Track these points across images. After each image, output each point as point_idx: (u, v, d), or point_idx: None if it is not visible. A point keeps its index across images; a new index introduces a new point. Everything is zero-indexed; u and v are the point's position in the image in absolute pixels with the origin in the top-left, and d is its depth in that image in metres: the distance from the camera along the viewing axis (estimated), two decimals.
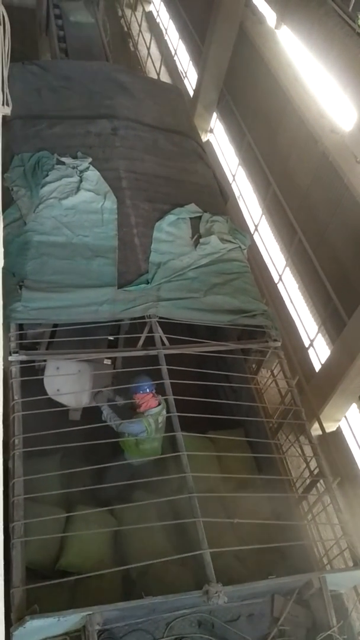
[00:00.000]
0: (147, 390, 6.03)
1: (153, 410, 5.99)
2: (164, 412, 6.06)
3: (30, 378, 5.96)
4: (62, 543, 5.47)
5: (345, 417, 8.70)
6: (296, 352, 8.85)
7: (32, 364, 6.16)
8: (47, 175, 7.34)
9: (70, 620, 4.35)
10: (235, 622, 4.94)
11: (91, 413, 6.42)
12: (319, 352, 9.09)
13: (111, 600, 4.54)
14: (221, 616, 4.92)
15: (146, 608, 4.63)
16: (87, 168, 7.63)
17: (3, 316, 5.89)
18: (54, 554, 5.43)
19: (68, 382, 6.36)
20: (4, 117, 6.23)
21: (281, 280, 10.36)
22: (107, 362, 6.67)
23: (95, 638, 4.36)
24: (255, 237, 11.26)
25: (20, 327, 6.18)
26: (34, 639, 4.43)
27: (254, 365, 7.07)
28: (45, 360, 6.33)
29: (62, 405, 6.34)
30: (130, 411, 6.12)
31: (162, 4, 18.06)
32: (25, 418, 5.49)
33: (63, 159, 7.64)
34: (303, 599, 5.11)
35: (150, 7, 19.46)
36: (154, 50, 17.12)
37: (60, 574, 5.10)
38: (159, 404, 6.02)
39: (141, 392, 6.02)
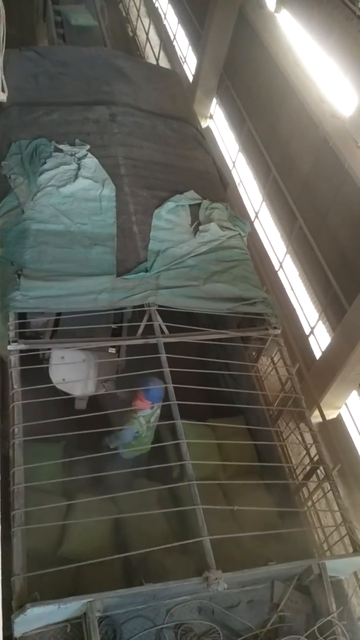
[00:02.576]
0: (154, 399, 5.95)
1: (146, 411, 5.98)
2: (158, 411, 6.07)
3: (33, 367, 5.95)
4: (63, 531, 5.50)
5: (346, 404, 8.71)
6: (296, 339, 8.85)
7: (35, 353, 6.15)
8: (44, 162, 7.29)
9: (70, 607, 4.38)
10: (235, 608, 4.98)
11: (97, 402, 6.43)
12: (320, 340, 9.07)
13: (112, 587, 4.57)
14: (221, 602, 4.95)
15: (147, 595, 4.66)
16: (85, 155, 7.58)
17: (2, 305, 5.91)
18: (55, 542, 5.46)
19: (74, 371, 6.37)
20: (0, 104, 6.20)
21: (281, 268, 10.32)
22: (112, 350, 6.66)
23: (95, 625, 4.39)
24: (256, 224, 11.21)
25: (23, 316, 6.17)
26: (35, 626, 4.47)
27: (254, 353, 7.06)
28: (50, 349, 6.33)
29: (67, 394, 6.35)
30: (124, 403, 6.10)
31: None
32: (29, 407, 5.49)
33: (61, 146, 7.59)
34: (303, 585, 5.14)
35: None
36: (153, 35, 16.93)
37: (61, 562, 5.12)
38: (151, 407, 6.00)
39: (148, 398, 5.93)
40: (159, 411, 6.10)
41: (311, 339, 9.28)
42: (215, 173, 8.69)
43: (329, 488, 5.78)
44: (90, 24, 12.18)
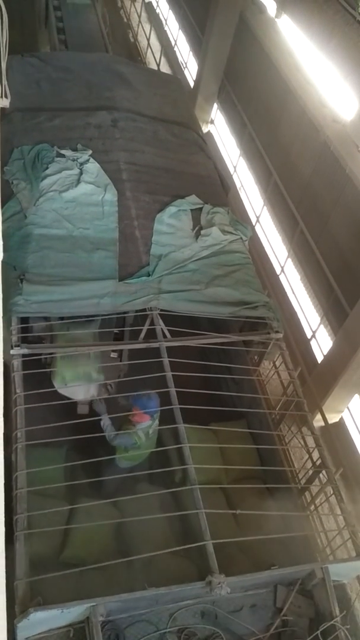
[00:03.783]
0: (147, 411, 5.87)
1: (144, 424, 5.91)
2: (156, 422, 6.03)
3: (36, 371, 5.96)
4: (65, 535, 5.50)
5: (348, 408, 8.70)
6: (298, 343, 8.86)
7: (37, 357, 6.15)
8: (47, 168, 7.32)
9: (73, 611, 4.37)
10: (238, 613, 4.96)
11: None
12: (321, 344, 9.07)
13: (114, 591, 4.56)
14: (224, 607, 4.93)
15: (149, 599, 4.65)
16: (87, 160, 7.61)
17: (4, 310, 5.92)
18: (58, 546, 5.46)
19: None
20: (2, 109, 6.22)
21: (283, 272, 10.33)
22: (114, 355, 6.67)
23: (98, 629, 4.38)
24: (257, 228, 11.23)
25: (26, 320, 6.18)
26: (38, 630, 4.46)
27: (255, 357, 7.06)
28: (52, 354, 6.33)
29: (69, 399, 6.34)
30: (123, 415, 6.04)
31: None
32: (32, 411, 5.50)
33: (63, 152, 7.62)
34: (306, 590, 5.12)
35: None
36: (154, 41, 17.01)
37: (64, 566, 5.12)
38: (151, 418, 5.96)
39: (142, 409, 5.86)
40: (157, 421, 6.08)
41: (313, 343, 9.29)
42: (217, 177, 8.71)
43: (331, 492, 5.78)
44: (84, 2, 12.88)
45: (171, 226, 7.32)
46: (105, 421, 5.90)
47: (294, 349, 7.69)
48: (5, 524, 3.23)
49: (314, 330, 9.26)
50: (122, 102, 8.86)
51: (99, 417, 5.89)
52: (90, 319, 6.41)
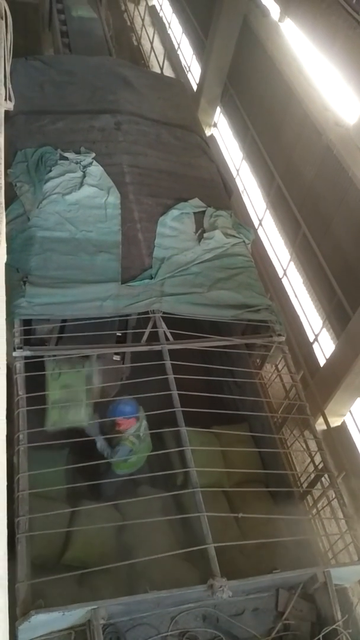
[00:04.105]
0: (129, 416, 5.90)
1: (133, 428, 5.93)
2: (144, 422, 6.03)
3: (38, 373, 5.97)
4: (67, 537, 5.50)
5: (350, 411, 8.69)
6: (301, 346, 8.85)
7: (40, 360, 6.15)
8: (50, 170, 7.34)
9: (75, 614, 4.37)
10: (240, 616, 4.95)
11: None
12: (324, 347, 9.06)
13: (116, 594, 4.56)
14: (226, 610, 4.93)
15: (151, 602, 4.64)
16: (91, 163, 7.62)
17: (7, 312, 5.92)
18: (59, 549, 5.45)
19: None
20: (6, 112, 6.24)
21: (285, 275, 10.33)
22: (116, 358, 6.67)
23: (100, 632, 4.37)
24: (260, 231, 11.23)
25: (28, 323, 6.19)
26: (39, 633, 4.45)
27: (258, 360, 7.06)
28: (55, 356, 6.33)
29: None
30: (111, 428, 6.05)
31: None
32: (34, 413, 5.49)
33: (66, 154, 7.63)
34: (308, 593, 5.11)
35: (153, 1, 19.39)
36: (157, 44, 17.05)
37: (66, 569, 5.12)
38: (137, 420, 5.97)
39: (122, 416, 5.90)
40: (145, 421, 6.07)
41: (315, 346, 9.28)
42: (220, 181, 8.73)
43: (333, 496, 5.77)
44: (90, 15, 13.03)
45: (174, 229, 7.33)
46: (101, 442, 5.91)
47: (296, 352, 7.69)
48: (7, 526, 3.23)
49: (316, 333, 9.25)
50: (126, 105, 8.88)
51: (101, 420, 5.89)
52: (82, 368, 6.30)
